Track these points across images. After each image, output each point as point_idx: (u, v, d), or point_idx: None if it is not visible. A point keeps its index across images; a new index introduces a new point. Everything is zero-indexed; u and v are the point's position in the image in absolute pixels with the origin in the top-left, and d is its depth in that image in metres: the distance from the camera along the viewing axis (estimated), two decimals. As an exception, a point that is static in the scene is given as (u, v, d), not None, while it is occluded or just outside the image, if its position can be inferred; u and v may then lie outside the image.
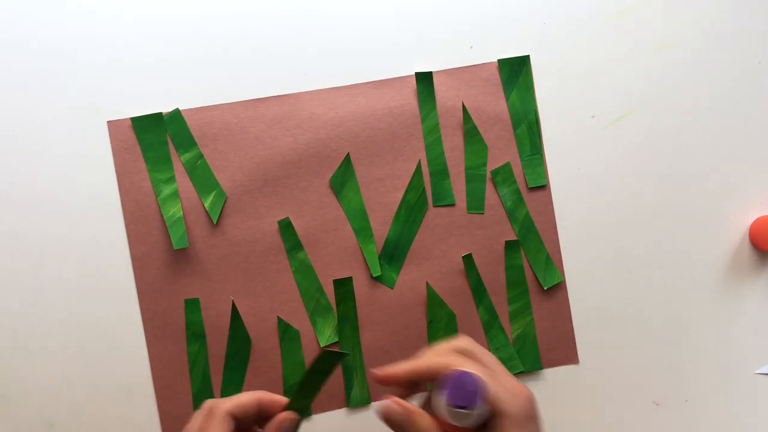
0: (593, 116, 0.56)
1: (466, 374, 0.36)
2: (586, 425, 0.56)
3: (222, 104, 0.54)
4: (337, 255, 0.54)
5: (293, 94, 0.54)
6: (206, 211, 0.54)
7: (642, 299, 0.56)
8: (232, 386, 0.53)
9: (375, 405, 0.39)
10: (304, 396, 0.40)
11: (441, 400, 0.36)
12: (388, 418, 0.39)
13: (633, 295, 0.56)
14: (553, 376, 0.56)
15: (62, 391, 0.52)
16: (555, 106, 0.56)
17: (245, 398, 0.41)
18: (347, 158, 0.54)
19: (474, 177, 0.56)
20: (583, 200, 0.56)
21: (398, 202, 0.55)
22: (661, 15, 0.57)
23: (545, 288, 0.55)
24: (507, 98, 0.56)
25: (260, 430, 0.42)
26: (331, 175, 0.55)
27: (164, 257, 0.53)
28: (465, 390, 0.36)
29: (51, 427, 0.52)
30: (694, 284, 0.57)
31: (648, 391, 0.56)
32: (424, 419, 0.38)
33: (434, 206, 0.55)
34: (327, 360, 0.39)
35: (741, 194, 0.57)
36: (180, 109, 0.54)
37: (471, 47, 0.56)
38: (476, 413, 0.36)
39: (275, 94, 0.54)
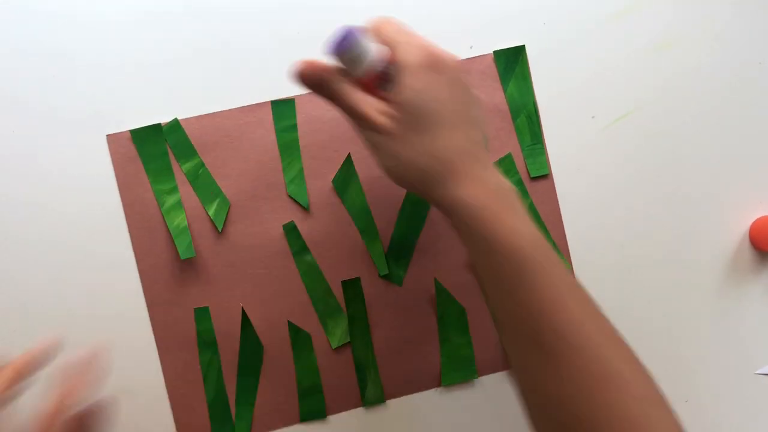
0: (593, 116, 0.56)
1: (347, 27, 0.40)
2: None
3: (221, 111, 0.54)
4: (343, 256, 0.54)
5: (291, 97, 0.54)
6: (211, 220, 0.53)
7: (642, 299, 0.56)
8: (246, 393, 0.53)
9: (290, 70, 0.43)
10: None
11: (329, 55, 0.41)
12: (303, 79, 0.42)
13: (633, 296, 0.56)
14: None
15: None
16: (555, 106, 0.56)
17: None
18: (348, 159, 0.54)
19: (476, 170, 0.56)
20: (584, 194, 0.56)
21: (402, 200, 0.55)
22: (661, 15, 0.57)
23: (553, 277, 0.55)
24: (505, 89, 0.56)
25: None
26: (334, 176, 0.54)
27: (171, 268, 0.53)
28: (343, 37, 0.40)
29: None
30: (694, 284, 0.57)
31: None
32: (340, 77, 0.42)
33: (438, 202, 0.55)
34: None
35: (741, 194, 0.57)
36: (178, 118, 0.53)
37: (471, 47, 0.56)
38: (357, 55, 0.41)
39: (273, 98, 0.54)
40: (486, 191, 0.40)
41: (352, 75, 0.42)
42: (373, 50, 0.41)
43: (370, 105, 0.42)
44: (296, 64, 0.42)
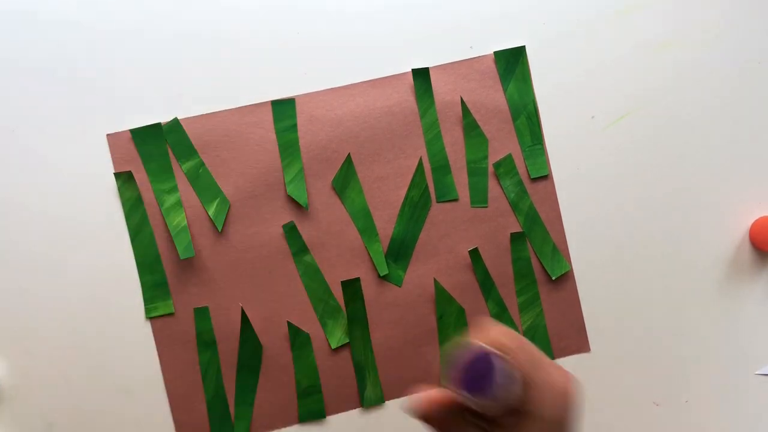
0: (593, 116, 0.56)
1: (482, 352, 0.30)
2: (589, 422, 0.55)
3: (220, 111, 0.54)
4: (343, 256, 0.54)
5: (291, 97, 0.54)
6: (210, 219, 0.53)
7: (641, 300, 0.56)
8: (245, 393, 0.53)
9: (406, 405, 0.35)
10: None
11: (450, 381, 0.31)
12: (424, 419, 0.34)
13: (633, 295, 0.56)
14: (565, 365, 0.56)
15: (64, 395, 0.52)
16: (555, 107, 0.56)
17: None
18: (348, 159, 0.54)
19: (476, 171, 0.55)
20: (584, 194, 0.56)
21: (401, 200, 0.55)
22: (661, 15, 0.57)
23: (553, 278, 0.55)
24: (505, 90, 0.56)
25: None
26: (333, 176, 0.54)
27: (171, 267, 0.53)
28: (484, 371, 0.30)
29: (51, 427, 0.52)
30: (694, 285, 0.56)
31: (648, 391, 0.56)
32: (469, 422, 0.33)
33: (438, 202, 0.55)
34: None
35: (741, 194, 0.57)
36: (179, 118, 0.53)
37: (471, 47, 0.56)
38: (500, 400, 0.30)
39: (273, 98, 0.54)
40: None
41: (481, 411, 0.32)
42: (517, 385, 0.31)
43: None
44: (414, 400, 0.34)
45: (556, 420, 0.33)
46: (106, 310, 0.53)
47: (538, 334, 0.55)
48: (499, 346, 0.33)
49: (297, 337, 0.54)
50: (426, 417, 0.34)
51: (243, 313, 0.53)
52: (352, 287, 0.54)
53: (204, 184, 0.54)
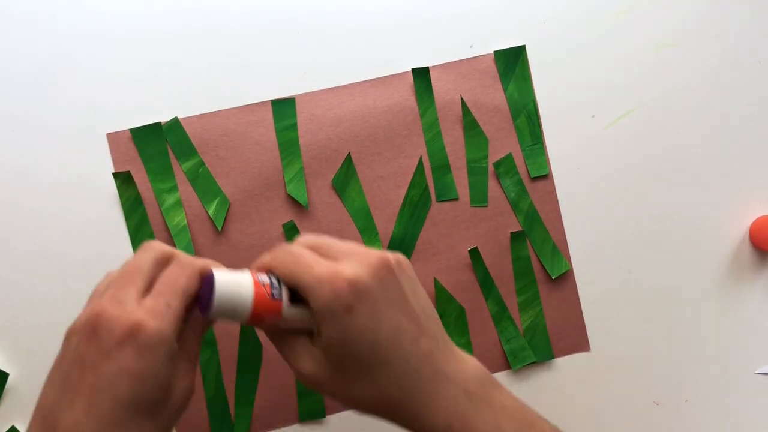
0: (593, 116, 0.56)
1: (207, 275, 0.35)
2: (589, 422, 0.55)
3: (220, 110, 0.54)
4: (343, 255, 0.54)
5: (291, 97, 0.54)
6: (210, 219, 0.53)
7: (641, 300, 0.56)
8: (245, 392, 0.53)
9: None
10: None
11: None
12: None
13: (633, 295, 0.56)
14: (565, 365, 0.56)
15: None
16: (555, 106, 0.56)
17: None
18: (348, 158, 0.54)
19: (476, 170, 0.56)
20: (584, 194, 0.56)
21: (401, 200, 0.55)
22: (661, 15, 0.57)
23: (553, 278, 0.55)
24: (505, 89, 0.56)
25: None
26: (333, 175, 0.54)
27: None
28: (205, 290, 0.35)
29: None
30: (693, 284, 0.56)
31: (648, 391, 0.56)
32: (279, 332, 0.37)
33: (438, 201, 0.55)
34: None
35: (741, 194, 0.57)
36: (178, 117, 0.53)
37: (471, 47, 0.56)
38: (228, 312, 0.34)
39: (273, 97, 0.54)
40: (446, 412, 0.35)
41: (244, 322, 0.36)
42: (245, 292, 0.35)
43: (299, 356, 0.36)
44: None
45: (330, 309, 0.34)
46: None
47: (538, 334, 0.55)
48: (264, 265, 0.37)
49: (297, 337, 0.54)
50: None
51: (243, 313, 0.53)
52: (352, 286, 0.54)
53: (204, 183, 0.54)
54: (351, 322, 0.34)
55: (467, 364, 0.37)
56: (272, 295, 0.35)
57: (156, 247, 0.36)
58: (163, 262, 0.36)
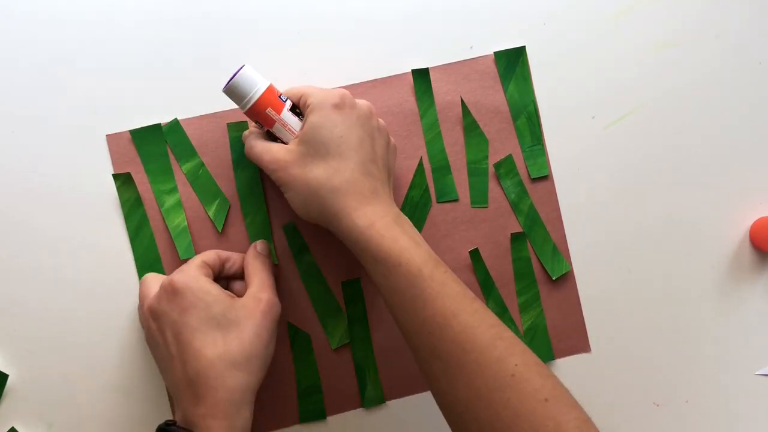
0: (593, 117, 0.56)
1: (241, 67, 0.47)
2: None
3: (221, 112, 0.54)
4: (344, 256, 0.54)
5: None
6: (210, 220, 0.53)
7: (642, 299, 0.56)
8: (246, 393, 0.53)
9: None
10: None
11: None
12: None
13: (633, 296, 0.56)
14: (565, 366, 0.56)
15: (64, 395, 0.52)
16: (555, 107, 0.56)
17: (208, 253, 0.49)
18: (348, 159, 0.54)
19: (476, 171, 0.56)
20: (584, 194, 0.56)
21: (402, 201, 0.55)
22: (661, 15, 0.57)
23: (553, 278, 0.55)
24: (505, 90, 0.56)
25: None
26: (334, 176, 0.54)
27: (171, 268, 0.53)
28: (235, 72, 0.47)
29: (51, 427, 0.52)
30: (693, 284, 0.57)
31: (648, 391, 0.56)
32: (253, 132, 0.50)
33: (438, 202, 0.55)
34: None
35: (741, 194, 0.57)
36: (178, 118, 0.53)
37: (471, 47, 0.56)
38: (241, 86, 0.46)
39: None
40: (374, 217, 0.44)
41: (242, 106, 0.47)
42: (262, 81, 0.47)
43: (271, 145, 0.48)
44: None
45: (322, 101, 0.46)
46: (106, 311, 0.53)
47: (538, 334, 0.55)
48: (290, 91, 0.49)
49: (297, 338, 0.54)
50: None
51: (243, 314, 0.53)
52: (352, 287, 0.54)
53: (204, 184, 0.53)
54: (333, 114, 0.46)
55: (399, 209, 0.47)
56: (280, 96, 0.48)
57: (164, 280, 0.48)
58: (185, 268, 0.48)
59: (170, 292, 0.45)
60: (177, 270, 0.47)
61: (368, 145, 0.47)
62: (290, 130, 0.47)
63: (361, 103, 0.48)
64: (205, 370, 0.43)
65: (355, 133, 0.46)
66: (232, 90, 0.47)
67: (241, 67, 0.46)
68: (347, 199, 0.45)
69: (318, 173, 0.45)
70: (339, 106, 0.46)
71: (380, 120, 0.49)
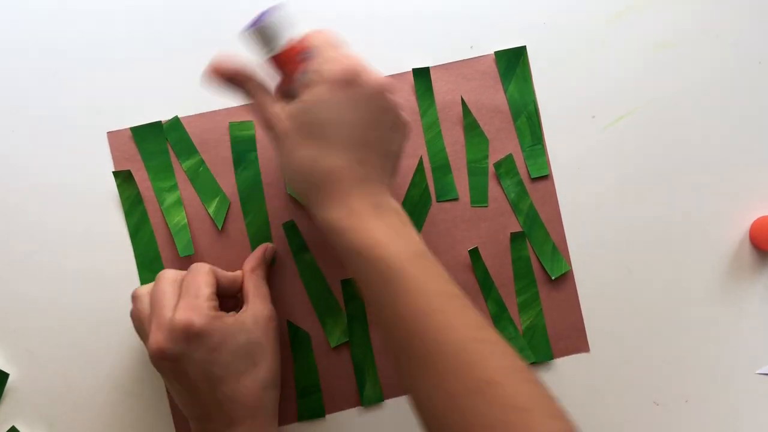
0: (593, 116, 0.56)
1: (270, 8, 0.43)
2: (589, 422, 0.55)
3: (221, 109, 0.54)
4: (343, 255, 0.54)
5: (291, 96, 0.54)
6: (210, 218, 0.54)
7: (642, 299, 0.56)
8: (245, 391, 0.53)
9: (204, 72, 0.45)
10: None
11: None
12: (221, 71, 0.44)
13: (633, 296, 0.56)
14: (564, 365, 0.56)
15: (64, 395, 0.52)
16: (555, 107, 0.56)
17: (209, 279, 0.46)
18: (349, 158, 0.54)
19: (476, 170, 0.56)
20: (584, 194, 0.56)
21: (402, 199, 0.55)
22: (661, 15, 0.57)
23: (553, 278, 0.55)
24: (505, 90, 0.56)
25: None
26: (334, 175, 0.55)
27: (170, 265, 0.53)
28: (263, 12, 0.43)
29: (51, 427, 0.52)
30: (693, 284, 0.56)
31: (648, 391, 0.56)
32: (255, 75, 0.45)
33: (438, 201, 0.55)
34: None
35: (741, 194, 0.57)
36: (179, 116, 0.54)
37: (471, 47, 0.56)
38: (270, 32, 0.43)
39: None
40: (354, 207, 0.42)
41: (264, 52, 0.44)
42: (283, 29, 0.44)
43: (273, 104, 0.44)
44: (215, 56, 0.45)
45: (336, 79, 0.42)
46: (106, 309, 0.53)
47: (537, 334, 0.55)
48: (305, 39, 0.44)
49: (296, 336, 0.54)
50: (222, 68, 0.45)
51: (242, 312, 0.53)
52: (352, 286, 0.54)
53: (204, 182, 0.54)
54: (331, 93, 0.41)
55: (390, 198, 0.44)
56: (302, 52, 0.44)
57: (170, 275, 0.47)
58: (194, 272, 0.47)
59: (192, 335, 0.42)
60: (186, 305, 0.43)
61: (368, 128, 0.42)
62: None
63: (371, 79, 0.43)
64: (242, 397, 0.44)
65: (354, 114, 0.42)
66: (263, 30, 0.43)
67: (278, 7, 0.43)
68: (330, 185, 0.42)
69: (304, 153, 0.42)
70: (341, 84, 0.42)
71: (391, 97, 0.44)
